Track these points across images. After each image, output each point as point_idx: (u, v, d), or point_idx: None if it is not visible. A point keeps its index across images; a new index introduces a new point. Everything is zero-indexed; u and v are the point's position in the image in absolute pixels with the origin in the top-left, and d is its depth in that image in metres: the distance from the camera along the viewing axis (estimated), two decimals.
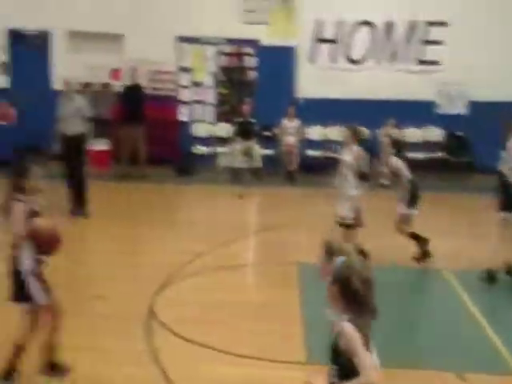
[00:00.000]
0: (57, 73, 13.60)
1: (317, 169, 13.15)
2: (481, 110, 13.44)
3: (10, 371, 4.96)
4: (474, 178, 13.10)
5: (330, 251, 3.36)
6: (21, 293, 4.91)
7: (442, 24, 13.65)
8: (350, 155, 7.77)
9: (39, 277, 4.94)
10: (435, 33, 13.70)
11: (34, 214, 4.89)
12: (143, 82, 13.53)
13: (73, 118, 9.95)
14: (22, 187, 4.92)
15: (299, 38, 13.87)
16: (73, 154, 9.99)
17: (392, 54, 13.93)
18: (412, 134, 13.88)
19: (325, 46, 13.96)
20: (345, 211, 7.71)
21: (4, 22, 13.57)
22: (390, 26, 13.81)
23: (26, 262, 4.86)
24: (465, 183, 13.09)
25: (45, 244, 4.82)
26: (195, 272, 7.63)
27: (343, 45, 13.95)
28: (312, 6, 13.62)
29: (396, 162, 8.12)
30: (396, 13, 13.68)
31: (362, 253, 6.84)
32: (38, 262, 4.91)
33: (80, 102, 10.15)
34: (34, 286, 4.88)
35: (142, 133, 12.84)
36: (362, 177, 7.76)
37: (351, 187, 7.73)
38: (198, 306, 6.70)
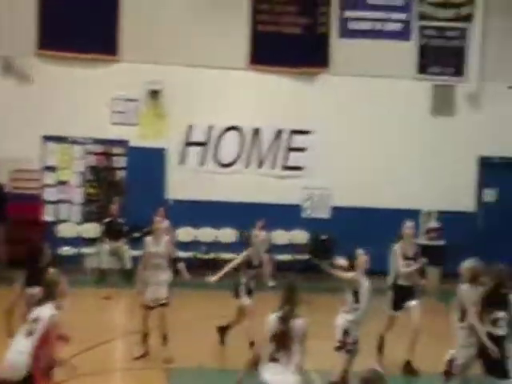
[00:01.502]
0: None
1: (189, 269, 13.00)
2: (343, 214, 14.08)
3: None
4: (336, 278, 13.42)
5: None
6: None
7: (306, 132, 14.40)
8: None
9: None
10: (299, 140, 14.42)
11: None
12: (4, 180, 13.12)
13: None
14: None
15: (169, 140, 14.08)
16: None
17: (259, 158, 14.44)
18: (279, 236, 14.23)
19: (195, 149, 14.24)
20: None
21: None
22: (257, 133, 14.38)
23: None
24: (328, 284, 13.39)
25: None
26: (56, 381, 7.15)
27: (212, 148, 14.30)
28: (183, 110, 13.96)
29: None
30: (263, 120, 14.31)
31: None
32: None
33: None
34: None
35: (3, 233, 12.28)
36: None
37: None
38: None
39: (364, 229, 13.33)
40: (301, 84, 14.38)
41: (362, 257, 7.62)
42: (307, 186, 14.44)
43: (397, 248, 8.77)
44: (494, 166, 14.65)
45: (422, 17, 14.55)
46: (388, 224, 13.32)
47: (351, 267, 7.71)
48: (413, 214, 13.50)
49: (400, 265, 8.63)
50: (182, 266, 8.86)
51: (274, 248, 13.72)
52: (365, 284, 7.46)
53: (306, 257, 14.12)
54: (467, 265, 7.06)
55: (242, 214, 13.16)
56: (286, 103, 14.24)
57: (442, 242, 13.57)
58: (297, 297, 5.70)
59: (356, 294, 7.47)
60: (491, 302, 6.63)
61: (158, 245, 8.55)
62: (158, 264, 8.47)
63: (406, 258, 8.69)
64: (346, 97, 14.30)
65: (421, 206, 14.33)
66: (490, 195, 14.90)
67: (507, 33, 14.21)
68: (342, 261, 8.56)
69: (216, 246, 14.06)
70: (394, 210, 13.80)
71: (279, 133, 14.40)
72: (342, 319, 7.48)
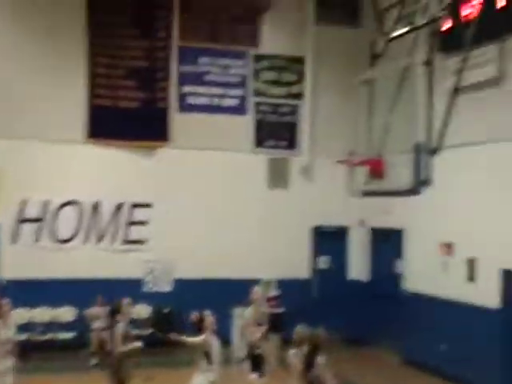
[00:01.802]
0: None
1: (21, 354, 12.26)
2: (185, 286, 14.06)
3: None
4: (184, 350, 13.29)
5: None
6: None
7: (147, 205, 14.36)
8: None
9: None
10: (140, 214, 14.33)
11: None
12: None
13: None
14: None
15: (1, 217, 13.42)
16: None
17: (99, 233, 14.14)
18: None
19: (29, 226, 13.67)
20: None
21: None
22: (97, 207, 14.12)
23: None
24: (171, 359, 13.19)
25: None
26: None
27: (49, 224, 13.82)
28: (16, 185, 13.41)
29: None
30: (103, 194, 14.09)
31: None
32: None
33: None
34: None
35: None
36: None
37: None
38: None
39: (206, 300, 13.31)
40: (140, 157, 14.41)
41: (208, 318, 7.73)
42: (149, 259, 14.31)
43: (246, 314, 8.92)
44: (325, 234, 15.44)
45: (257, 93, 15.27)
46: (229, 295, 13.59)
47: (199, 330, 7.85)
48: (253, 284, 13.82)
49: (250, 332, 8.77)
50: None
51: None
52: (215, 344, 7.52)
53: (148, 331, 13.86)
54: (296, 330, 7.63)
55: (80, 292, 12.74)
56: (127, 177, 14.17)
57: (280, 310, 13.89)
58: None
59: (208, 354, 7.48)
60: (309, 363, 7.29)
61: (7, 329, 7.99)
62: (6, 350, 7.99)
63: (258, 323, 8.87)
64: (186, 170, 14.51)
65: (260, 275, 14.66)
66: (323, 262, 15.63)
67: (334, 110, 15.21)
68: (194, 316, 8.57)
69: (53, 326, 13.46)
70: (235, 280, 14.01)
71: (119, 206, 14.24)
72: (198, 380, 7.47)
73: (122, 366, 8.11)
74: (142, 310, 14.17)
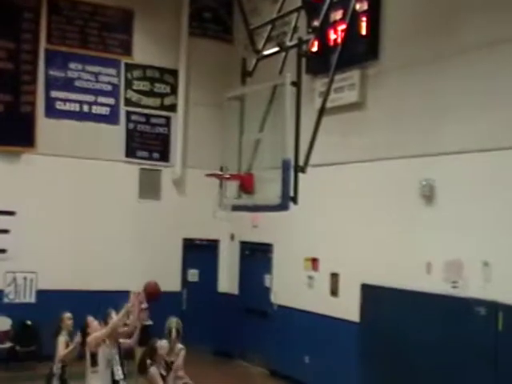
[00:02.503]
0: None
1: None
2: (50, 297, 13.59)
3: None
4: (40, 366, 12.88)
5: None
6: None
7: (9, 213, 13.73)
8: None
9: None
10: (2, 221, 13.69)
11: None
12: None
13: None
14: None
15: None
16: None
17: None
18: None
19: None
20: None
21: None
22: None
23: None
24: (31, 372, 12.73)
25: None
26: None
27: None
28: None
29: None
30: None
31: None
32: None
33: None
34: None
35: None
36: None
37: None
38: None
39: (73, 311, 12.98)
40: (3, 163, 13.72)
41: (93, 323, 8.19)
42: (10, 269, 13.70)
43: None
44: (196, 247, 15.45)
45: (129, 103, 15.04)
46: (96, 306, 13.27)
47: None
48: (122, 296, 13.57)
49: None
50: None
51: None
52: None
53: (8, 345, 13.29)
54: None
55: None
56: None
57: (149, 322, 13.75)
58: None
59: (94, 356, 7.68)
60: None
61: None
62: None
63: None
64: (52, 177, 14.01)
65: (129, 286, 14.42)
66: (193, 275, 15.62)
67: (207, 124, 15.22)
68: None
69: None
70: (103, 291, 13.72)
71: None
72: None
73: None
74: (2, 322, 13.59)
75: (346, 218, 11.67)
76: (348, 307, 11.34)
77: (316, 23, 8.31)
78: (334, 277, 11.93)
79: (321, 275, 12.35)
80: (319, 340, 12.14)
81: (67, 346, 8.58)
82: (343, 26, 10.83)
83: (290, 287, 13.26)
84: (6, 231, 13.72)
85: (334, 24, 11.29)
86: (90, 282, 14.06)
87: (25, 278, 13.88)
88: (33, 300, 13.96)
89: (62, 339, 8.72)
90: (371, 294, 10.82)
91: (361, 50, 10.96)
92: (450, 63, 9.71)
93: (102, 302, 12.67)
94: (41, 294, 13.91)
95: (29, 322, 13.71)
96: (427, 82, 10.09)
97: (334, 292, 11.93)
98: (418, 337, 9.76)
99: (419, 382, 9.73)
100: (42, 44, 14.18)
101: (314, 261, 12.55)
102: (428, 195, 9.91)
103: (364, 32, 10.92)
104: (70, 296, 13.61)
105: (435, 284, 9.57)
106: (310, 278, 12.64)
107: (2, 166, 13.74)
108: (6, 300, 13.75)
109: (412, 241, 10.20)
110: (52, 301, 13.36)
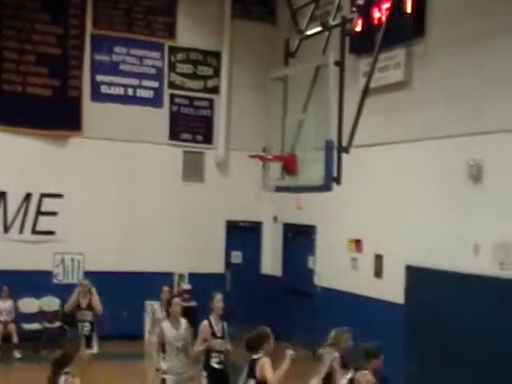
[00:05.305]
0: None
1: None
2: (97, 278, 13.77)
3: None
4: None
5: None
6: None
7: (57, 196, 13.99)
8: None
9: None
10: (50, 204, 13.95)
11: None
12: None
13: None
14: None
15: None
16: None
17: (5, 224, 13.68)
18: (28, 304, 13.51)
19: None
20: None
21: None
22: (2, 196, 13.65)
23: None
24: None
25: None
26: None
27: None
28: None
29: None
30: (11, 183, 13.64)
31: None
32: None
33: None
34: None
35: None
36: None
37: None
38: None
39: (119, 293, 13.23)
40: (51, 146, 14.01)
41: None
42: (58, 250, 13.98)
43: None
44: (239, 229, 15.50)
45: (173, 86, 15.12)
46: (142, 288, 13.48)
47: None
48: (166, 277, 13.75)
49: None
50: None
51: (22, 317, 13.08)
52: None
53: (57, 324, 13.58)
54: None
55: None
56: (36, 166, 13.75)
57: (193, 303, 13.90)
58: None
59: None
60: None
61: None
62: None
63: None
64: (98, 161, 14.24)
65: (174, 268, 14.61)
66: (236, 257, 15.69)
67: (249, 106, 15.20)
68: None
69: None
70: (148, 273, 13.92)
71: (28, 196, 13.82)
72: None
73: None
74: (52, 303, 13.89)
75: (391, 199, 11.56)
76: (392, 289, 11.25)
77: (360, 1, 8.16)
78: (378, 258, 11.85)
79: (365, 257, 12.27)
80: (363, 322, 12.07)
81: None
82: (387, 5, 10.69)
83: (333, 269, 13.22)
84: (54, 213, 14.00)
85: (379, 2, 11.13)
86: (136, 264, 14.26)
87: (72, 260, 14.14)
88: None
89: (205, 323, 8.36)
90: (416, 276, 10.72)
91: (406, 28, 10.79)
92: (500, 40, 9.47)
93: (147, 283, 12.94)
94: (88, 275, 14.13)
95: None
96: (477, 59, 9.88)
97: (378, 274, 11.85)
98: (465, 319, 9.64)
99: (465, 365, 9.63)
100: (89, 29, 14.37)
101: (358, 242, 12.47)
102: (475, 175, 9.73)
103: (409, 10, 10.75)
104: (116, 277, 13.87)
105: (483, 266, 9.42)
106: (354, 259, 12.57)
107: (50, 150, 14.01)
108: (54, 281, 14.05)
109: (459, 222, 10.05)
110: (99, 282, 13.62)
